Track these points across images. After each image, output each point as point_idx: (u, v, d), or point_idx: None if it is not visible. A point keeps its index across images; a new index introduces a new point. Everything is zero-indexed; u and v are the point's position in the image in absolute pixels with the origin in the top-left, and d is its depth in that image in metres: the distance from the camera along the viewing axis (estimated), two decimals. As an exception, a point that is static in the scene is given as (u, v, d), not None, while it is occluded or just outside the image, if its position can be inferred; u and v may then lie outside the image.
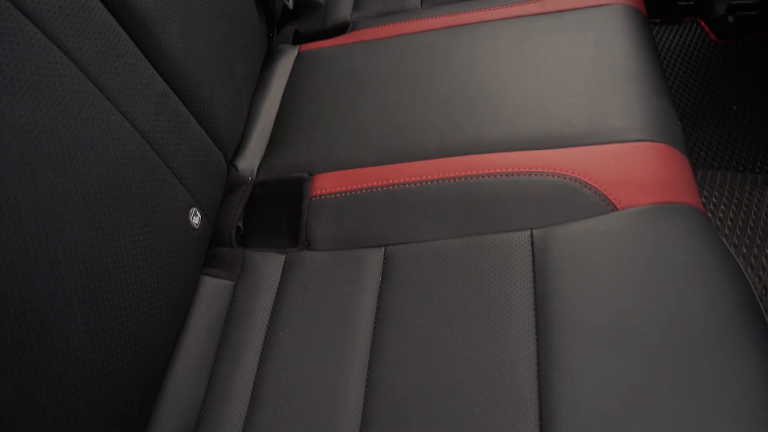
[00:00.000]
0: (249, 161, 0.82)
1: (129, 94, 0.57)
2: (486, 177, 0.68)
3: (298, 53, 0.95)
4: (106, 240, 0.51)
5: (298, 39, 1.00)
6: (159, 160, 0.61)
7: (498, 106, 0.74)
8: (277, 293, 0.68)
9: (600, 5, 0.82)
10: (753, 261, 0.87)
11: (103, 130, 0.53)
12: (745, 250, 0.89)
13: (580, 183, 0.64)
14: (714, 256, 0.57)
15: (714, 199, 0.99)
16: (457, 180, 0.69)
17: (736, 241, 0.91)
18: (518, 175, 0.67)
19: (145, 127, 0.59)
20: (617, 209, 0.61)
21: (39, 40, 0.48)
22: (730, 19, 1.35)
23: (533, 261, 0.60)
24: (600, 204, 0.62)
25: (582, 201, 0.63)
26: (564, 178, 0.65)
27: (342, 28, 0.97)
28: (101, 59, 0.54)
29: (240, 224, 0.76)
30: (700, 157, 1.18)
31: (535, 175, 0.66)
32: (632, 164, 0.64)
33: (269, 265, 0.71)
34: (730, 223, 0.95)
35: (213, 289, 0.70)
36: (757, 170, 1.14)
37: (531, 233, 0.63)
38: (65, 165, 0.48)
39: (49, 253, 0.44)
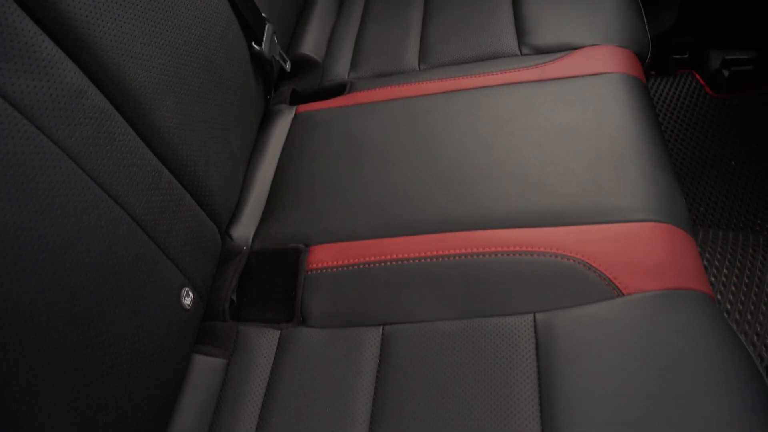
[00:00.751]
0: (244, 229, 0.80)
1: (120, 177, 0.56)
2: (486, 255, 0.66)
3: (295, 114, 0.94)
4: (92, 341, 0.48)
5: (296, 99, 0.99)
6: (150, 242, 0.59)
7: (498, 180, 0.72)
8: (270, 374, 0.65)
9: (600, 74, 0.82)
10: (758, 329, 0.85)
11: (92, 219, 0.51)
12: (749, 317, 0.88)
13: (583, 265, 0.62)
14: (725, 347, 0.55)
15: (716, 263, 0.98)
16: (457, 258, 0.67)
17: (740, 307, 0.90)
18: (520, 254, 0.65)
19: (136, 210, 0.57)
20: (623, 294, 0.60)
21: (27, 132, 0.47)
22: (725, 73, 1.36)
23: (537, 348, 0.58)
24: (605, 288, 0.60)
25: (586, 284, 0.61)
26: (567, 259, 0.63)
27: (339, 89, 0.96)
28: (93, 144, 0.53)
29: (233, 297, 0.74)
30: (699, 213, 1.17)
31: (537, 255, 0.64)
32: (637, 246, 0.63)
33: (263, 342, 0.69)
34: (734, 288, 0.93)
35: (205, 369, 0.67)
36: (757, 228, 1.13)
37: (534, 317, 0.61)
38: (50, 264, 0.46)
39: (29, 366, 0.42)
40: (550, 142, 0.74)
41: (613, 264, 0.61)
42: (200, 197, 0.70)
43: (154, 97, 0.62)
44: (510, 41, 0.93)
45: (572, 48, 0.88)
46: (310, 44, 1.06)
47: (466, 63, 0.93)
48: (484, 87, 0.85)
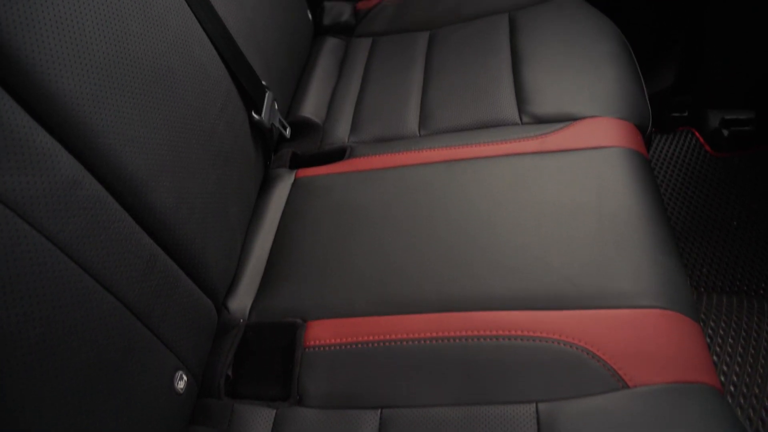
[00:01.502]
0: (241, 301, 0.79)
1: (114, 266, 0.54)
2: (486, 339, 0.64)
3: (295, 179, 0.93)
4: None
5: (296, 162, 0.98)
6: (144, 328, 0.58)
7: (498, 258, 0.71)
8: None
9: (600, 147, 0.81)
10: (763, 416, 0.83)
11: (84, 313, 0.50)
12: (755, 402, 0.86)
13: (587, 353, 0.60)
14: None
15: (721, 332, 0.96)
16: (457, 340, 0.65)
17: (744, 390, 0.88)
18: (520, 339, 0.63)
19: (130, 297, 0.56)
20: (628, 386, 0.58)
21: (18, 230, 0.46)
22: (725, 132, 1.36)
23: None
24: (610, 379, 0.59)
25: (590, 374, 0.59)
26: (570, 346, 0.61)
27: (339, 153, 0.96)
28: (86, 236, 0.52)
29: (229, 372, 0.72)
30: (701, 276, 1.15)
31: (539, 340, 0.63)
32: (642, 335, 0.61)
33: (258, 422, 0.67)
34: (739, 360, 0.91)
35: None
36: (761, 292, 1.11)
37: (536, 408, 0.59)
38: (39, 366, 0.44)
39: None
40: (551, 219, 0.73)
41: (617, 353, 0.60)
42: (196, 274, 0.68)
43: (151, 178, 0.61)
44: (510, 109, 0.93)
45: (573, 118, 0.88)
46: (311, 107, 1.06)
47: (467, 130, 0.92)
48: (485, 157, 0.85)
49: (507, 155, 0.84)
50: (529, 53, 1.01)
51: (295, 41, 1.10)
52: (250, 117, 0.86)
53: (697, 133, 1.44)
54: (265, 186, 0.94)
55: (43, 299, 0.46)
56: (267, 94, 0.90)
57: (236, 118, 0.81)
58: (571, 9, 1.11)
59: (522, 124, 0.91)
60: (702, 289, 1.12)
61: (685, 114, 1.45)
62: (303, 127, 1.03)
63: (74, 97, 0.53)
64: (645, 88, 0.97)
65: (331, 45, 1.21)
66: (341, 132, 1.01)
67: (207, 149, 0.73)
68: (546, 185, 0.78)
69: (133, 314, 0.56)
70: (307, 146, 1.01)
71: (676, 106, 1.44)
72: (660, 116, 1.46)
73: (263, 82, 0.90)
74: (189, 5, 0.75)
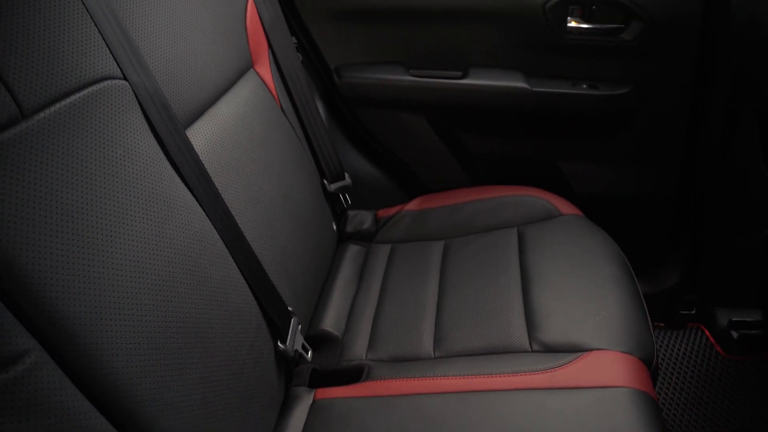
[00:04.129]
0: None
1: None
2: None
3: (314, 401, 0.96)
4: None
5: (315, 378, 1.02)
6: None
7: None
8: None
9: (608, 387, 0.84)
10: None
11: None
12: None
13: None
14: None
15: None
16: None
17: None
18: None
19: None
20: None
21: None
22: (734, 335, 1.38)
23: None
24: None
25: None
26: None
27: (357, 372, 0.99)
28: None
29: None
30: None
31: None
32: None
33: None
34: None
35: None
36: None
37: None
38: None
39: None
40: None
41: None
42: None
43: None
44: (521, 335, 0.97)
45: (580, 349, 0.92)
46: (331, 319, 1.11)
47: (479, 355, 0.96)
48: (497, 390, 0.88)
49: (518, 390, 0.87)
50: (537, 273, 1.07)
51: (321, 257, 1.18)
52: (276, 347, 0.91)
53: (707, 332, 1.46)
54: (284, 408, 0.96)
55: None
56: (292, 321, 0.95)
57: (263, 352, 0.86)
58: (574, 226, 1.19)
59: (532, 351, 0.95)
60: None
61: (693, 311, 1.48)
62: (323, 340, 1.08)
63: (124, 374, 0.59)
64: (648, 316, 1.02)
65: (352, 252, 1.29)
66: (359, 348, 1.05)
67: (234, 391, 0.77)
68: (556, 426, 0.80)
69: None
70: (326, 360, 1.05)
71: (683, 303, 1.48)
72: (668, 313, 1.50)
73: (289, 308, 0.96)
74: (230, 252, 0.82)
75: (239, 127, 0.98)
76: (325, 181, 1.28)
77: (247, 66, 1.09)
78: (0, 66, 0.54)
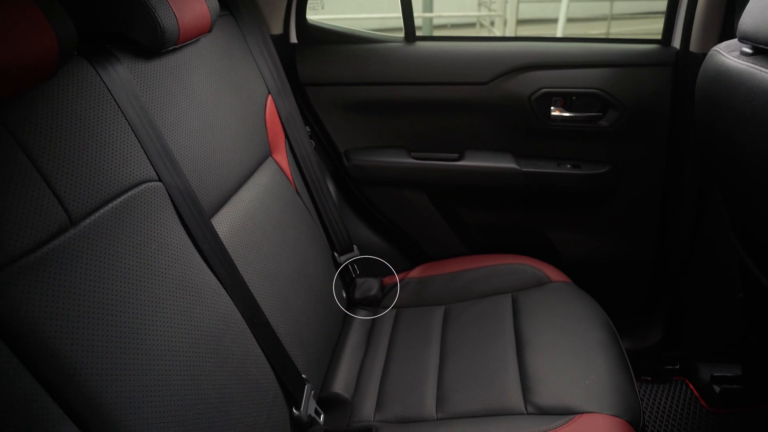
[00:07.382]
0: None
1: None
2: None
3: (325, 466, 0.96)
4: None
5: (327, 443, 1.02)
6: None
7: None
8: None
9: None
10: None
11: None
12: None
13: None
14: None
15: None
16: None
17: None
18: None
19: None
20: None
21: None
22: (717, 389, 1.37)
23: None
24: None
25: None
26: None
27: (366, 435, 1.00)
28: None
29: None
30: None
31: None
32: None
33: None
34: None
35: None
36: None
37: None
38: None
39: None
40: None
41: None
42: None
43: None
44: (516, 398, 0.98)
45: (572, 412, 0.92)
46: (341, 382, 1.12)
47: (478, 416, 0.97)
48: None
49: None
50: (531, 339, 1.09)
51: (331, 324, 1.20)
52: (291, 413, 0.91)
53: (691, 386, 1.45)
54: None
55: None
56: (306, 387, 0.96)
57: (279, 419, 0.87)
58: (563, 294, 1.21)
59: (527, 413, 0.95)
60: None
61: (677, 366, 1.47)
62: (334, 402, 1.09)
63: None
64: (633, 377, 1.02)
65: (360, 318, 1.31)
66: (368, 409, 1.06)
67: None
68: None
69: None
70: (337, 422, 1.06)
71: (668, 359, 1.47)
72: (654, 367, 1.49)
73: (303, 376, 0.97)
74: (250, 329, 0.84)
75: (259, 211, 1.01)
76: (336, 254, 1.31)
77: (266, 155, 1.14)
78: (52, 179, 0.58)
